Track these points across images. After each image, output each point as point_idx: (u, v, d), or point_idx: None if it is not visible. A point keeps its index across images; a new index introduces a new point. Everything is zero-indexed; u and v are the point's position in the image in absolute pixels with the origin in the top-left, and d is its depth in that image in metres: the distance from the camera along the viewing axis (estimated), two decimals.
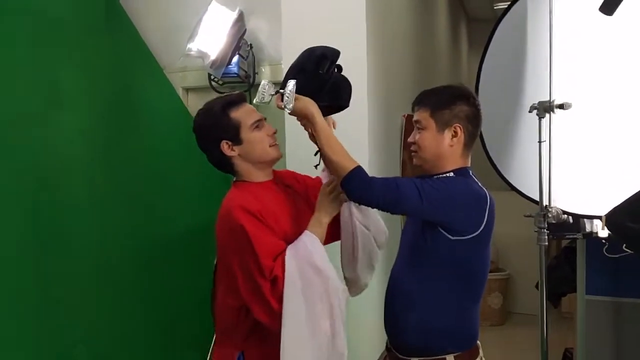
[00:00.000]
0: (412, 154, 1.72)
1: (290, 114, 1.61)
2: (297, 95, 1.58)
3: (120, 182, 2.72)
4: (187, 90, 3.61)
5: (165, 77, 3.30)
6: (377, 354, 2.73)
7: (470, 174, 1.66)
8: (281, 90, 1.59)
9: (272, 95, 1.60)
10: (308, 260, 1.49)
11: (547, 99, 2.24)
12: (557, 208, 2.24)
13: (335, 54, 1.63)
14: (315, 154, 1.70)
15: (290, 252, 1.50)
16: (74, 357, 2.35)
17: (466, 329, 1.68)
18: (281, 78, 1.66)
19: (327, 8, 2.66)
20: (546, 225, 2.25)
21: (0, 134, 2.06)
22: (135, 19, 3.20)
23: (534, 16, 2.39)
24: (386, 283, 1.80)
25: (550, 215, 2.22)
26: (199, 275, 3.21)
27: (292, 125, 1.66)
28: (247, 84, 3.26)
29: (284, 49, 2.73)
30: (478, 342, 1.72)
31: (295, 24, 2.70)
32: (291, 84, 1.56)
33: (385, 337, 1.82)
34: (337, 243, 1.81)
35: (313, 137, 1.65)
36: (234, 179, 1.72)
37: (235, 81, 3.25)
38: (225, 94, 3.14)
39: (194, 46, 2.99)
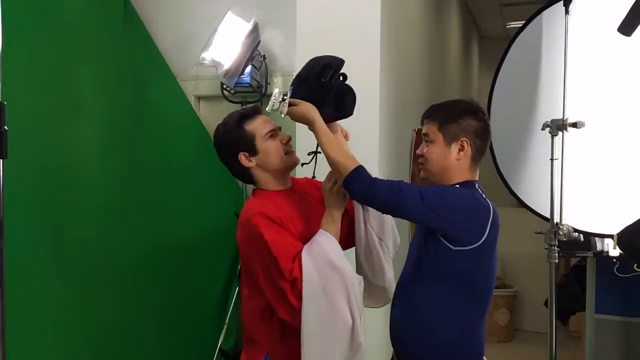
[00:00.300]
0: (420, 166, 1.74)
1: (292, 119, 1.66)
2: (298, 100, 1.62)
3: (130, 186, 2.74)
4: (199, 98, 3.64)
5: (178, 85, 3.34)
6: None
7: (477, 186, 1.66)
8: (285, 97, 1.64)
9: (280, 102, 1.65)
10: (324, 258, 1.51)
11: (560, 117, 2.24)
12: (569, 226, 2.23)
13: (340, 63, 1.66)
14: (309, 154, 1.73)
15: (305, 252, 1.52)
16: (77, 358, 2.35)
17: (471, 344, 1.67)
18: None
19: (342, 21, 2.68)
20: (557, 243, 2.23)
21: (14, 134, 2.08)
22: (150, 26, 3.25)
23: (548, 35, 2.40)
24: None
25: (561, 233, 2.21)
26: (207, 279, 3.25)
27: (303, 131, 1.69)
28: (259, 93, 3.28)
29: (298, 61, 2.75)
30: (484, 357, 1.71)
31: (310, 37, 2.72)
32: (288, 91, 1.64)
33: (391, 349, 1.81)
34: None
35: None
36: (254, 188, 1.76)
37: (247, 91, 3.27)
38: (239, 103, 3.25)
39: (208, 55, 3.02)
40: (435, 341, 1.64)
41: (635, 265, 2.27)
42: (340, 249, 1.59)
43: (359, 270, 1.80)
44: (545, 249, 2.30)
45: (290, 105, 1.64)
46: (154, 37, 3.26)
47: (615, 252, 2.39)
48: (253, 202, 1.66)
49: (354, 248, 1.81)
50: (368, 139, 2.62)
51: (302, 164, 1.79)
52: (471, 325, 1.67)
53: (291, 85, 1.67)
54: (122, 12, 2.93)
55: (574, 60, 2.25)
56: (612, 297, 2.71)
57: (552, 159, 2.23)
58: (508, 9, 5.87)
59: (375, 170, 2.58)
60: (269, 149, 1.65)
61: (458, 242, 1.56)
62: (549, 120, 2.24)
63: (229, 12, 3.04)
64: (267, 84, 3.30)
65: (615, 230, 2.07)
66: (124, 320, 2.60)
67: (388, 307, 1.83)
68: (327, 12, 2.72)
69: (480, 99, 1.78)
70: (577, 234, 2.27)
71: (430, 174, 1.70)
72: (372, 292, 1.84)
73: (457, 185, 1.64)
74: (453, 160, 1.64)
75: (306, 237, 1.60)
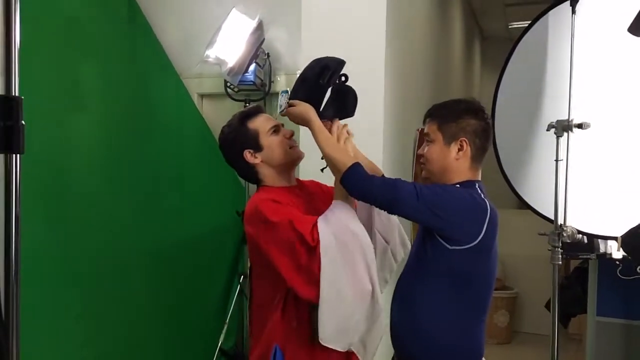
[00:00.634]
0: (422, 166, 1.75)
1: (290, 119, 1.68)
2: (296, 101, 1.65)
3: (132, 184, 2.74)
4: (202, 96, 3.64)
5: (182, 83, 3.33)
6: None
7: (477, 186, 1.66)
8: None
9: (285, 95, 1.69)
10: (341, 225, 1.52)
11: (565, 117, 2.23)
12: (572, 227, 2.22)
13: (339, 64, 1.67)
14: (323, 170, 1.72)
15: (321, 220, 1.53)
16: (80, 358, 2.35)
17: (470, 346, 1.67)
18: None
19: (348, 20, 2.68)
20: (560, 244, 2.23)
21: None
22: (154, 24, 3.24)
23: (554, 35, 2.39)
24: (392, 294, 1.80)
25: (565, 235, 2.21)
26: (208, 279, 3.24)
27: (307, 130, 1.71)
28: (262, 92, 3.28)
29: (303, 60, 2.74)
30: (484, 359, 1.71)
31: (315, 36, 2.72)
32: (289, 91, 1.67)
33: (392, 350, 1.81)
34: None
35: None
36: (259, 185, 1.77)
37: (251, 89, 3.27)
38: (242, 101, 3.25)
39: (212, 53, 3.02)
40: (434, 342, 1.64)
41: (639, 267, 2.27)
42: (355, 215, 1.60)
43: None
44: (549, 250, 2.29)
45: (289, 105, 1.67)
46: (158, 34, 3.25)
47: (618, 254, 2.39)
48: (258, 195, 1.68)
49: None
50: (372, 139, 2.62)
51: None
52: (470, 326, 1.67)
53: (294, 87, 1.70)
54: (126, 9, 2.92)
55: (580, 60, 2.24)
56: (614, 299, 2.71)
57: (556, 160, 2.22)
58: (511, 9, 5.87)
59: (380, 170, 2.58)
60: (273, 144, 1.68)
61: (454, 242, 1.57)
62: (554, 121, 2.23)
63: (234, 10, 3.04)
64: (270, 82, 3.30)
65: (619, 233, 2.07)
66: (124, 319, 2.60)
67: (388, 306, 1.83)
68: (332, 11, 2.72)
69: (482, 100, 1.77)
70: (580, 235, 2.26)
71: (431, 174, 1.71)
72: None
73: (457, 185, 1.64)
74: (452, 160, 1.65)
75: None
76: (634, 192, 2.28)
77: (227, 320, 3.22)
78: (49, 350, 2.18)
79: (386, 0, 2.66)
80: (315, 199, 1.77)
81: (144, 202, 2.80)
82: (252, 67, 3.10)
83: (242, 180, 3.28)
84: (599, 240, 2.48)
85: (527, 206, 2.58)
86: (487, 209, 1.61)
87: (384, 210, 1.62)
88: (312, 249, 1.48)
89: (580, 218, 2.31)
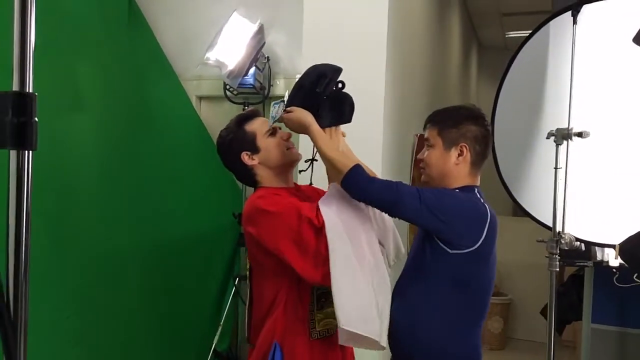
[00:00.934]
0: (421, 170, 1.76)
1: (287, 125, 1.69)
2: (293, 107, 1.65)
3: (129, 185, 2.72)
4: (201, 98, 3.63)
5: (180, 85, 3.33)
6: None
7: (476, 191, 1.67)
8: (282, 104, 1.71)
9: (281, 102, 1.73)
10: (340, 203, 1.57)
11: (565, 126, 2.25)
12: (570, 234, 2.24)
13: (336, 72, 1.67)
14: (306, 161, 1.75)
15: (322, 203, 1.57)
16: (72, 358, 2.33)
17: (468, 350, 1.67)
18: None
19: (349, 26, 2.69)
20: (558, 251, 2.24)
21: None
22: (153, 25, 3.24)
23: (555, 44, 2.41)
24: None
25: (563, 242, 2.22)
26: (204, 280, 3.23)
27: (305, 137, 1.72)
28: (261, 95, 3.28)
29: (303, 64, 2.75)
30: None
31: (316, 41, 2.73)
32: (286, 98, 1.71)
33: (389, 352, 1.81)
34: None
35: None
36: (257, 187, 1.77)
37: (250, 92, 3.27)
38: (241, 104, 3.25)
39: (212, 55, 3.01)
40: (432, 345, 1.64)
41: (635, 275, 2.28)
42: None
43: None
44: (546, 257, 2.31)
45: (290, 111, 1.67)
46: (157, 35, 3.25)
47: (615, 262, 2.40)
48: (255, 195, 1.70)
49: None
50: (372, 144, 2.63)
51: (300, 171, 1.81)
52: (468, 330, 1.68)
53: (291, 94, 1.71)
54: (126, 9, 2.92)
55: (580, 69, 2.26)
56: (609, 307, 2.73)
57: (556, 168, 2.24)
58: (508, 18, 5.91)
59: (379, 174, 2.58)
60: (270, 146, 1.69)
61: (455, 245, 1.57)
62: (554, 129, 2.25)
63: (235, 13, 3.04)
64: (270, 85, 3.30)
65: (617, 241, 2.08)
66: (117, 319, 2.58)
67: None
68: (334, 16, 2.73)
69: (479, 107, 1.79)
70: (578, 243, 2.28)
71: (430, 179, 1.72)
72: None
73: (457, 190, 1.65)
74: (452, 165, 1.66)
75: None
76: (632, 201, 2.30)
77: (222, 322, 3.20)
78: (40, 348, 2.16)
79: (388, 7, 2.68)
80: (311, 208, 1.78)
81: (140, 203, 2.79)
82: (252, 70, 3.10)
83: (239, 183, 3.30)
84: (596, 248, 2.50)
85: (526, 213, 2.59)
86: (487, 214, 1.62)
87: (385, 212, 1.62)
88: (319, 230, 1.50)
89: (579, 226, 2.33)
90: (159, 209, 2.93)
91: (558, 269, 2.26)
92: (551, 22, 2.44)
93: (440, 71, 4.54)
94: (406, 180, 3.28)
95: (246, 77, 3.09)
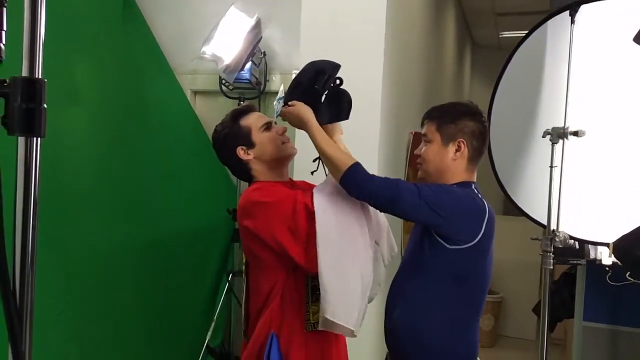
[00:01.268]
0: (418, 166, 1.77)
1: (285, 118, 1.70)
2: (293, 102, 1.66)
3: (123, 180, 2.70)
4: (196, 93, 3.61)
5: (175, 79, 3.31)
6: None
7: (473, 187, 1.68)
8: (281, 99, 1.68)
9: (280, 101, 1.70)
10: (335, 191, 1.58)
11: (561, 125, 2.27)
12: (565, 233, 2.26)
13: (334, 68, 1.68)
14: (314, 160, 1.74)
15: (316, 190, 1.59)
16: (65, 353, 2.31)
17: (463, 345, 1.69)
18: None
19: (347, 24, 2.69)
20: (552, 249, 2.26)
21: None
22: (148, 18, 3.21)
23: (552, 44, 2.43)
24: (386, 294, 1.81)
25: (557, 240, 2.24)
26: (197, 276, 3.22)
27: (301, 133, 1.72)
28: (257, 90, 3.27)
29: (301, 60, 2.74)
30: (478, 358, 1.73)
31: (314, 36, 2.72)
32: (284, 93, 1.72)
33: (385, 348, 1.82)
34: None
35: None
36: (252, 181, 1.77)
37: (245, 87, 3.25)
38: (236, 99, 3.24)
39: (208, 49, 2.99)
40: (429, 341, 1.65)
41: (629, 274, 2.31)
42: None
43: None
44: (540, 254, 2.33)
45: (290, 106, 1.67)
46: (153, 29, 3.23)
47: (608, 260, 2.43)
48: (249, 189, 1.70)
49: None
50: (368, 141, 2.63)
51: (312, 172, 1.79)
52: (466, 326, 1.69)
53: (289, 91, 1.72)
54: (122, 3, 2.89)
55: (577, 69, 2.28)
56: (601, 305, 2.76)
57: (551, 167, 2.26)
58: (502, 18, 5.94)
59: (375, 171, 2.58)
60: (265, 140, 1.70)
61: (453, 241, 1.58)
62: (550, 128, 2.27)
63: (232, 7, 3.02)
64: (266, 81, 3.29)
65: (611, 239, 2.10)
66: (110, 315, 2.56)
67: (382, 305, 1.84)
68: (332, 12, 2.72)
69: (476, 104, 1.81)
70: (572, 241, 2.30)
71: (427, 174, 1.73)
72: None
73: (455, 186, 1.66)
74: (449, 161, 1.67)
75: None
76: (626, 199, 2.33)
77: (215, 317, 3.20)
78: (33, 344, 2.14)
79: (386, 4, 2.68)
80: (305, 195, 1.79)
81: (133, 198, 2.77)
82: (248, 65, 3.09)
83: (234, 179, 3.29)
84: (590, 246, 2.52)
85: (521, 212, 2.61)
86: (485, 210, 1.63)
87: (384, 210, 1.63)
88: (312, 214, 1.52)
89: (573, 224, 2.35)
90: (153, 205, 2.91)
91: (552, 267, 2.27)
92: (549, 22, 2.46)
93: (435, 69, 4.56)
94: (401, 177, 3.28)
95: (242, 72, 3.08)
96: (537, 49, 2.48)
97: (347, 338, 1.74)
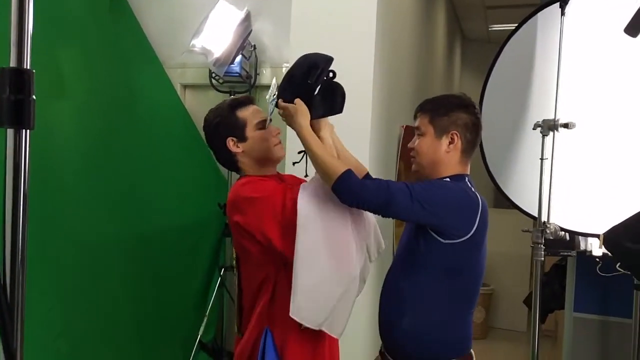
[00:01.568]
0: (412, 159, 1.76)
1: (281, 115, 1.68)
2: (285, 104, 1.64)
3: (112, 174, 2.68)
4: (185, 86, 3.59)
5: (165, 73, 3.28)
6: (371, 359, 2.73)
7: (466, 180, 1.68)
8: (274, 96, 1.69)
9: (274, 97, 1.69)
10: (322, 189, 1.57)
11: (551, 117, 2.27)
12: (555, 224, 2.27)
13: (327, 62, 1.67)
14: (299, 152, 1.74)
15: (304, 185, 1.59)
16: (56, 349, 2.29)
17: (460, 337, 1.69)
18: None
19: (338, 17, 2.68)
20: (543, 241, 2.27)
21: None
22: (137, 11, 3.18)
23: (543, 36, 2.44)
24: (380, 287, 1.81)
25: (548, 231, 2.25)
26: (189, 271, 3.20)
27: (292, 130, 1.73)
28: (247, 84, 3.25)
29: (291, 52, 2.73)
30: (472, 350, 1.73)
31: (304, 30, 2.71)
32: (275, 88, 1.70)
33: (379, 342, 1.82)
34: None
35: None
36: (240, 176, 1.77)
37: (236, 81, 3.23)
38: (227, 93, 3.22)
39: (198, 42, 2.97)
40: (424, 334, 1.66)
41: (618, 265, 2.33)
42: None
43: None
44: (531, 246, 2.34)
45: (278, 106, 1.66)
46: (141, 22, 3.19)
47: (599, 251, 2.44)
48: (238, 183, 1.69)
49: None
50: (360, 134, 2.63)
51: (294, 163, 1.79)
52: (460, 319, 1.69)
53: (281, 85, 1.70)
54: None
55: (567, 61, 2.29)
56: (592, 296, 2.78)
57: (542, 159, 2.27)
58: (492, 11, 5.95)
59: (367, 164, 2.58)
60: (258, 138, 1.69)
61: (448, 236, 1.58)
62: (541, 120, 2.27)
63: (222, 0, 3.00)
64: (256, 74, 3.27)
65: (601, 230, 2.11)
66: (101, 310, 2.55)
67: (374, 302, 1.84)
68: (322, 5, 2.72)
69: (469, 96, 1.80)
70: (563, 232, 2.31)
71: (420, 167, 1.72)
72: None
73: (447, 179, 1.66)
74: (443, 153, 1.66)
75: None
76: (616, 191, 2.34)
77: (207, 313, 3.18)
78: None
79: None
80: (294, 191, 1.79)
81: (124, 193, 2.75)
82: (238, 58, 3.07)
83: (224, 173, 3.27)
84: (580, 237, 2.54)
85: (512, 204, 2.62)
86: (478, 203, 1.63)
87: (378, 214, 1.62)
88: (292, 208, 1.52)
89: (563, 216, 2.36)
90: (144, 199, 2.89)
91: (543, 259, 2.29)
92: (539, 14, 2.46)
93: (426, 63, 4.56)
94: (392, 171, 3.28)
95: (232, 66, 3.06)
96: (527, 41, 2.49)
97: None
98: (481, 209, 1.62)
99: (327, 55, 1.68)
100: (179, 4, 3.43)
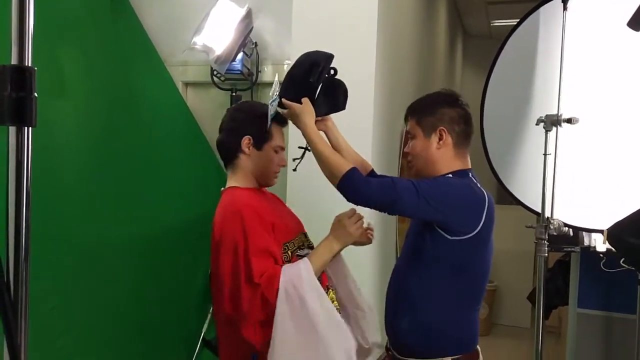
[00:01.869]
0: (409, 164, 1.78)
1: (286, 115, 1.70)
2: (290, 103, 1.66)
3: (113, 173, 2.67)
4: (187, 84, 3.58)
5: (166, 70, 3.27)
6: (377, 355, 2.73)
7: (470, 175, 1.68)
8: (276, 95, 1.70)
9: (276, 96, 1.70)
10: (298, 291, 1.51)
11: (554, 112, 2.27)
12: (559, 220, 2.26)
13: (328, 59, 1.69)
14: (300, 147, 1.76)
15: (284, 278, 1.52)
16: (58, 348, 2.30)
17: (466, 332, 1.70)
18: (283, 78, 1.75)
19: (339, 14, 2.67)
20: (547, 237, 2.27)
21: None
22: (137, 8, 3.17)
23: (545, 31, 2.43)
24: (387, 284, 1.81)
25: (551, 227, 2.24)
26: (191, 268, 3.20)
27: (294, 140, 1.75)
28: (249, 81, 3.24)
29: (293, 51, 2.73)
30: (478, 347, 1.73)
31: (305, 27, 2.71)
32: (277, 87, 1.72)
33: (385, 338, 1.82)
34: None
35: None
36: (223, 188, 1.79)
37: (237, 78, 3.22)
38: (228, 90, 3.21)
39: (199, 40, 2.96)
40: (432, 331, 1.66)
41: (622, 260, 2.32)
42: (317, 284, 1.57)
43: None
44: (535, 242, 2.33)
45: (281, 105, 1.68)
46: (142, 19, 3.18)
47: (602, 247, 2.44)
48: (234, 195, 1.69)
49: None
50: (362, 131, 2.62)
51: (294, 159, 1.81)
52: (467, 314, 1.70)
53: (284, 84, 1.72)
54: None
55: (569, 56, 2.28)
56: (595, 292, 2.78)
57: (545, 154, 2.26)
58: (493, 7, 5.93)
59: (369, 161, 2.57)
60: (269, 158, 1.72)
61: (454, 232, 1.58)
62: (544, 115, 2.26)
63: None
64: (258, 71, 3.26)
65: (605, 226, 2.11)
66: (104, 309, 2.54)
67: (381, 298, 1.84)
68: (323, 2, 2.71)
69: (463, 95, 1.80)
70: (567, 228, 2.30)
71: (419, 170, 1.74)
72: None
73: (450, 175, 1.66)
74: (435, 151, 1.67)
75: (279, 226, 1.66)
76: (620, 186, 2.33)
77: (211, 310, 3.18)
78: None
79: None
80: (277, 203, 1.83)
81: (125, 192, 2.74)
82: (240, 56, 3.06)
83: (226, 172, 3.26)
84: (584, 233, 2.53)
85: (515, 200, 2.61)
86: (485, 199, 1.63)
87: (384, 212, 1.63)
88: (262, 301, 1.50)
89: (567, 211, 2.35)
90: (145, 198, 2.88)
91: (547, 255, 2.28)
92: (541, 9, 2.45)
93: (427, 58, 4.54)
94: (394, 168, 3.28)
95: (234, 63, 3.05)
96: (530, 36, 2.48)
97: None
98: (487, 205, 1.62)
99: (327, 53, 1.69)
100: (180, 2, 3.42)
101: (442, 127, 1.66)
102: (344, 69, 1.74)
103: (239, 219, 1.56)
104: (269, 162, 1.72)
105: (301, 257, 1.65)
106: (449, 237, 1.58)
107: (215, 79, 3.25)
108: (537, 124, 2.29)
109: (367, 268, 2.67)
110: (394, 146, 3.27)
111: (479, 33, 7.04)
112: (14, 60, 0.71)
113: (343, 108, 1.75)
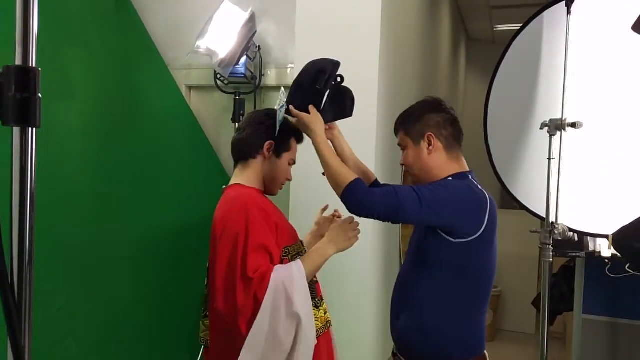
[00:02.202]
0: (406, 174, 1.78)
1: (295, 124, 1.72)
2: (297, 112, 1.68)
3: (118, 175, 2.68)
4: (190, 88, 3.59)
5: (170, 74, 3.28)
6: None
7: (470, 177, 1.68)
8: (283, 104, 1.72)
9: (282, 105, 1.72)
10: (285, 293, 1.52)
11: (558, 117, 2.26)
12: (564, 225, 2.25)
13: (335, 67, 1.69)
14: (324, 174, 1.75)
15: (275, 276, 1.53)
16: (64, 349, 2.30)
17: (472, 337, 1.69)
18: (286, 81, 1.75)
19: (342, 19, 2.67)
20: (552, 242, 2.25)
21: None
22: (142, 12, 3.19)
23: (549, 35, 2.42)
24: (391, 289, 1.81)
25: (556, 232, 2.23)
26: (195, 270, 3.18)
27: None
28: (252, 85, 3.24)
29: (297, 55, 2.73)
30: (485, 352, 1.72)
31: (308, 31, 2.71)
32: (283, 95, 1.73)
33: (391, 345, 1.81)
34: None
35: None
36: (226, 186, 1.79)
37: (241, 82, 3.23)
38: (232, 94, 3.21)
39: (203, 44, 2.97)
40: (439, 335, 1.65)
41: (628, 266, 2.30)
42: (307, 287, 1.58)
43: None
44: (539, 247, 2.32)
45: (288, 112, 1.70)
46: (146, 23, 3.20)
47: (607, 252, 2.42)
48: (241, 192, 1.69)
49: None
50: (366, 136, 2.62)
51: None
52: (473, 318, 1.69)
53: (291, 92, 1.73)
54: None
55: (573, 60, 2.27)
56: (601, 297, 2.75)
57: (549, 159, 2.25)
58: (496, 11, 5.93)
59: (372, 168, 2.58)
60: (282, 170, 1.76)
61: (458, 235, 1.58)
62: (548, 119, 2.26)
63: (226, 0, 3.00)
64: (261, 75, 3.26)
65: (610, 231, 2.09)
66: (108, 311, 2.55)
67: (386, 302, 1.83)
68: (327, 6, 2.71)
69: (467, 100, 1.81)
70: (572, 233, 2.29)
71: (417, 179, 1.75)
72: None
73: (450, 178, 1.66)
74: (426, 157, 1.68)
75: (282, 228, 1.69)
76: (625, 190, 2.32)
77: None
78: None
79: None
80: (278, 210, 1.82)
81: (130, 194, 2.75)
82: (243, 59, 3.06)
83: (230, 174, 3.25)
84: (589, 238, 2.51)
85: (519, 205, 2.60)
86: (486, 200, 1.62)
87: (388, 221, 1.63)
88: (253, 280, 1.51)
89: (572, 216, 2.34)
90: (149, 201, 2.89)
91: (552, 260, 2.26)
92: (545, 13, 2.45)
93: (431, 63, 4.54)
94: (398, 173, 3.27)
95: (237, 67, 3.05)
96: (533, 40, 2.47)
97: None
98: (490, 206, 1.62)
99: (334, 60, 1.70)
100: (183, 5, 3.43)
101: (429, 133, 1.67)
102: (347, 74, 1.75)
103: (244, 212, 1.57)
104: (282, 171, 1.76)
105: None
106: (453, 240, 1.58)
107: (218, 82, 3.26)
108: (541, 129, 2.28)
109: (370, 274, 2.67)
110: (398, 151, 3.26)
111: (482, 37, 7.05)
112: (18, 61, 0.71)
113: (350, 115, 1.77)
